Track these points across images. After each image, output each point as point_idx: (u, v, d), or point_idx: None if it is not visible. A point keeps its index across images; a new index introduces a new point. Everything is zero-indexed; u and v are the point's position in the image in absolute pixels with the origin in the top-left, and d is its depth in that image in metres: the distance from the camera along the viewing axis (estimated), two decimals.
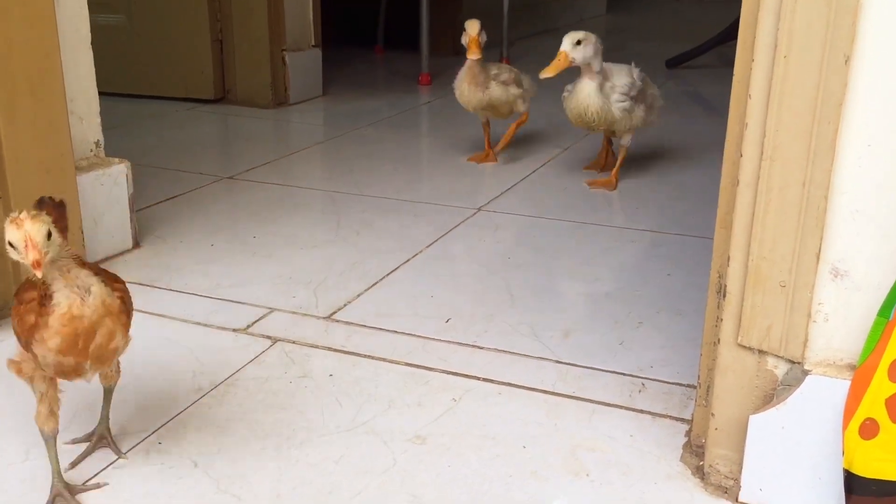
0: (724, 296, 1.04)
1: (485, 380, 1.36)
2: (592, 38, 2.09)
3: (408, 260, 1.84)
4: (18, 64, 1.48)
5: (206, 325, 1.54)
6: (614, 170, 2.35)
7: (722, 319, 1.04)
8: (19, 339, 0.99)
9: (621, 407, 1.29)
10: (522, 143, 2.81)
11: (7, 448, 1.18)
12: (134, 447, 1.18)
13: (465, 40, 2.36)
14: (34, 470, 1.13)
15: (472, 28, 2.37)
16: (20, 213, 0.88)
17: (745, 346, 1.03)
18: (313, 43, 3.46)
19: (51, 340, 0.92)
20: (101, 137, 1.81)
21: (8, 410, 1.27)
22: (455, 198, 2.26)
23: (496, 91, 2.44)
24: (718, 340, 1.06)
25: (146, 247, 1.91)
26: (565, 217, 2.12)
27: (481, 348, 1.46)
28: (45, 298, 0.92)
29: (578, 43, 2.06)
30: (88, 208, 1.71)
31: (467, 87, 2.42)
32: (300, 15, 3.37)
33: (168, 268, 1.80)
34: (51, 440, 1.06)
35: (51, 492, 1.07)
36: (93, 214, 1.75)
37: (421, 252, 1.89)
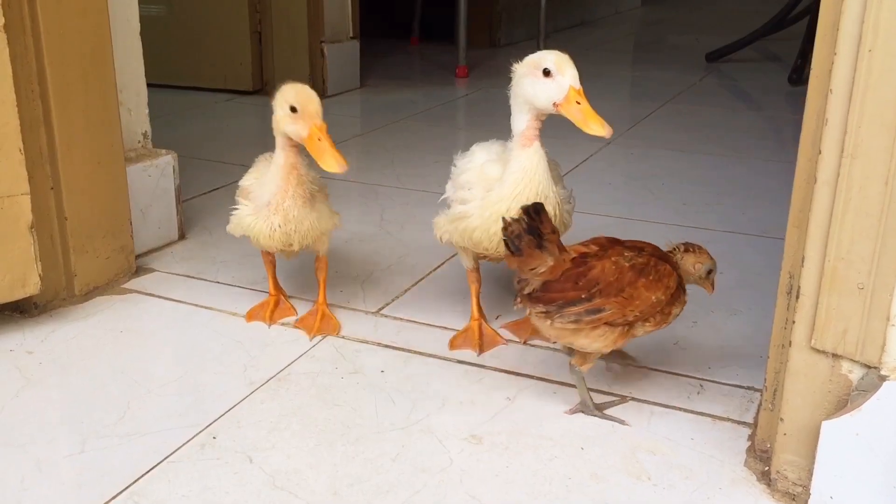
0: (797, 297, 1.00)
1: (539, 378, 1.34)
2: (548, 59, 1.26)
3: (454, 255, 1.82)
4: (71, 53, 1.47)
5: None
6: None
7: (794, 322, 1.01)
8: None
9: (680, 409, 1.26)
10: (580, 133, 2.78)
11: (64, 439, 1.18)
12: (189, 441, 1.18)
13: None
14: (91, 462, 1.13)
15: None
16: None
17: (818, 350, 1.00)
18: (351, 34, 3.45)
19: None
20: (148, 128, 1.81)
21: (64, 402, 1.27)
22: None
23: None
24: (789, 343, 1.02)
25: (192, 238, 1.91)
26: (611, 213, 2.09)
27: (534, 346, 1.44)
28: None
29: (547, 73, 1.25)
30: (136, 200, 1.71)
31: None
32: (339, 6, 3.36)
33: (214, 260, 1.79)
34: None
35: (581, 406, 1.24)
36: (140, 206, 1.74)
37: None
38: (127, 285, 1.65)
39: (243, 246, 1.86)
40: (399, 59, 4.28)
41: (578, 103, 1.22)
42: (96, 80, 1.52)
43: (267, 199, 1.36)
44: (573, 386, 1.31)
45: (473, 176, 1.35)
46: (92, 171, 1.54)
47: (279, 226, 1.36)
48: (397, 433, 1.20)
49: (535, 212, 1.14)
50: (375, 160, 2.57)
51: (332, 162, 1.26)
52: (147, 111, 1.79)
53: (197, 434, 1.19)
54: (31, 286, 1.43)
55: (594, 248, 1.19)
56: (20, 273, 1.41)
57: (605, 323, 1.14)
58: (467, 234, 1.34)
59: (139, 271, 1.71)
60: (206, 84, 3.37)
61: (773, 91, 3.58)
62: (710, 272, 1.24)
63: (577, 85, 1.23)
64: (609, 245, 1.20)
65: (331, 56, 3.31)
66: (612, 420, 1.22)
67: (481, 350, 1.42)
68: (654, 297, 1.15)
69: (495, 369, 1.37)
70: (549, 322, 1.15)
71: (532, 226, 1.13)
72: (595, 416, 1.23)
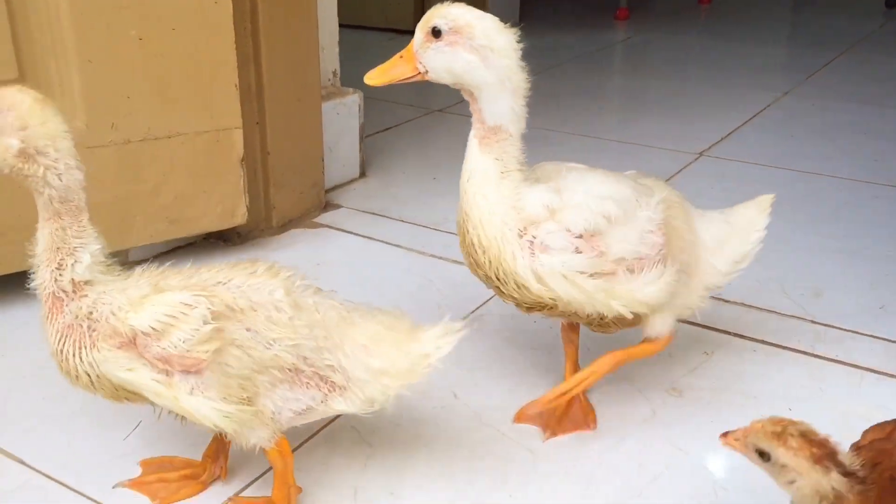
0: None
1: (736, 335, 1.32)
2: (478, 28, 0.94)
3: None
4: None
5: (441, 258, 1.56)
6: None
7: None
8: None
9: (893, 376, 1.21)
10: (753, 74, 2.66)
11: (116, 424, 1.13)
12: None
13: None
14: (135, 448, 1.09)
15: None
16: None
17: None
18: None
19: None
20: (338, 67, 1.85)
21: None
22: (671, 140, 2.18)
23: None
24: None
25: (371, 176, 1.96)
26: (794, 166, 2.00)
27: (727, 301, 1.41)
28: None
29: (436, 33, 0.95)
30: (326, 137, 1.76)
31: None
32: None
33: (396, 199, 1.83)
34: None
35: None
36: (328, 143, 1.79)
37: None
38: (317, 219, 1.72)
39: (420, 186, 1.90)
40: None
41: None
42: (300, 19, 1.56)
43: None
44: (774, 345, 1.28)
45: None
46: (292, 108, 1.59)
47: None
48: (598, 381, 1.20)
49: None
50: (540, 104, 2.53)
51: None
52: (338, 50, 1.83)
53: None
54: (239, 217, 1.51)
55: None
56: (231, 204, 1.49)
57: None
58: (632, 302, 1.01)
59: (327, 206, 1.77)
60: (367, 22, 3.41)
61: None
62: None
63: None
64: None
65: None
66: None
67: (552, 434, 1.10)
68: None
69: (689, 323, 1.35)
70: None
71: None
72: None
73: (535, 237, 0.97)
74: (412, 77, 0.99)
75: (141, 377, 0.85)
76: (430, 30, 0.95)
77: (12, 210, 1.28)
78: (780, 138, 2.19)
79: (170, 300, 0.84)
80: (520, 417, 1.13)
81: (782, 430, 0.75)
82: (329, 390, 0.92)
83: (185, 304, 0.84)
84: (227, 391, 0.86)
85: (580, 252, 0.97)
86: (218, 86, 1.40)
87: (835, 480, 0.73)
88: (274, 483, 0.96)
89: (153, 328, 0.83)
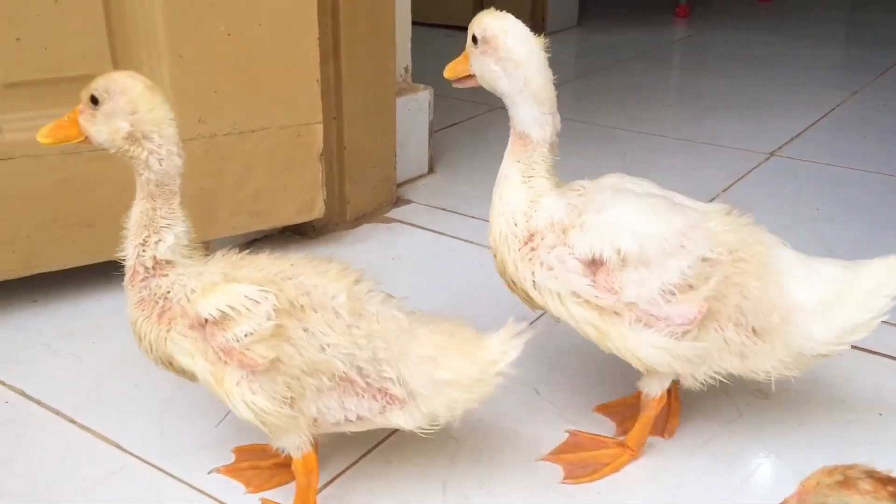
0: None
1: None
2: (511, 39, 0.95)
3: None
4: None
5: None
6: (634, 430, 1.06)
7: None
8: None
9: None
10: (819, 73, 2.62)
11: (208, 411, 1.15)
12: None
13: None
14: (227, 435, 1.11)
15: None
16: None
17: None
18: None
19: None
20: (409, 63, 1.86)
21: None
22: (740, 140, 2.15)
23: None
24: None
25: (439, 172, 1.96)
26: (869, 167, 1.96)
27: None
28: None
29: (475, 41, 0.97)
30: (398, 132, 1.77)
31: None
32: None
33: (465, 196, 1.83)
34: None
35: None
36: (399, 139, 1.80)
37: (717, 197, 1.82)
38: (389, 214, 1.73)
39: (489, 182, 1.90)
40: None
41: None
42: (378, 15, 1.58)
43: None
44: (861, 349, 1.26)
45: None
46: (368, 103, 1.61)
47: None
48: None
49: None
50: (605, 101, 2.53)
51: None
52: (409, 46, 1.84)
53: None
54: (316, 210, 1.52)
55: None
56: (308, 198, 1.51)
57: None
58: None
59: (398, 202, 1.78)
60: (426, 19, 3.41)
61: None
62: None
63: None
64: None
65: None
66: None
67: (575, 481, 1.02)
68: None
69: None
70: None
71: None
72: None
73: (534, 249, 0.96)
74: (469, 79, 1.01)
75: (196, 365, 0.87)
76: (472, 37, 0.97)
77: (101, 202, 1.31)
78: (853, 139, 2.15)
79: (237, 291, 0.85)
80: (600, 409, 1.14)
81: (844, 477, 0.66)
82: (388, 402, 0.89)
83: (250, 299, 0.84)
84: (273, 387, 0.85)
85: (584, 277, 0.93)
86: (300, 81, 1.42)
87: None
88: (295, 499, 0.95)
89: (214, 316, 0.84)
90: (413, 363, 0.89)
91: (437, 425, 0.91)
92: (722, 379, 0.99)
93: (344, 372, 0.86)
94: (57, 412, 1.14)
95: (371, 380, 0.88)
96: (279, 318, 0.84)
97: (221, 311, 0.84)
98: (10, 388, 1.19)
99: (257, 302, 0.84)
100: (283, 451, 0.92)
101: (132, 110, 0.85)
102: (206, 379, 0.87)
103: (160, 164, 0.87)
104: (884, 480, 0.65)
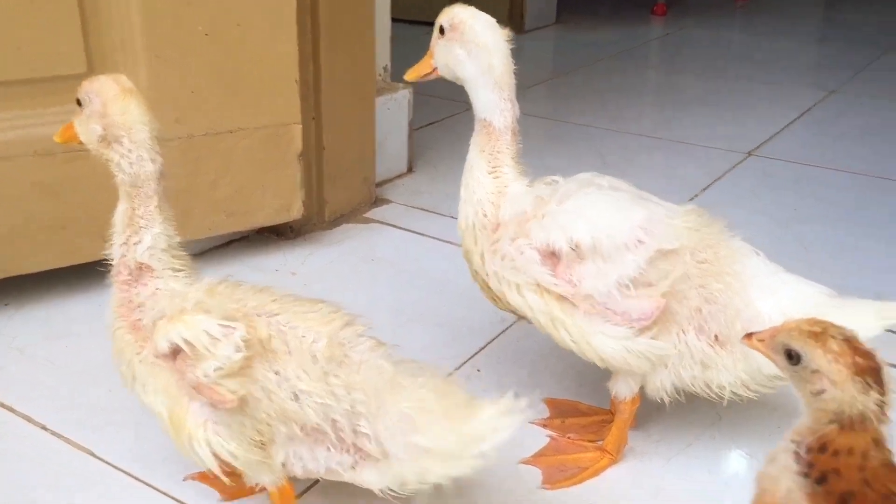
0: None
1: None
2: (477, 28, 0.98)
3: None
4: None
5: None
6: (611, 434, 1.06)
7: None
8: None
9: None
10: (796, 71, 2.63)
11: None
12: (455, 371, 1.22)
13: None
14: None
15: None
16: None
17: None
18: None
19: None
20: (389, 63, 1.85)
21: None
22: (718, 139, 2.16)
23: None
24: None
25: (418, 171, 1.96)
26: (850, 168, 1.97)
27: None
28: None
29: (441, 31, 1.01)
30: (378, 132, 1.76)
31: None
32: None
33: (445, 195, 1.83)
34: None
35: None
36: (378, 138, 1.79)
37: (697, 196, 1.82)
38: (368, 214, 1.72)
39: None
40: None
41: None
42: (357, 15, 1.56)
43: None
44: None
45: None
46: (347, 104, 1.60)
47: None
48: None
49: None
50: (585, 100, 2.53)
51: None
52: (389, 45, 1.83)
53: (462, 365, 1.24)
54: (294, 211, 1.51)
55: None
56: (287, 199, 1.49)
57: None
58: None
59: (377, 202, 1.77)
60: (407, 16, 3.40)
61: None
62: None
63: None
64: None
65: None
66: None
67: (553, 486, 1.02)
68: None
69: None
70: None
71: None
72: None
73: (498, 239, 0.97)
74: (430, 73, 1.04)
75: (155, 404, 0.85)
76: (439, 28, 1.00)
77: (75, 205, 1.28)
78: (831, 138, 2.17)
79: (198, 324, 0.80)
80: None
81: (822, 330, 0.62)
82: (360, 458, 0.82)
83: (209, 335, 0.79)
84: (241, 430, 0.81)
85: (542, 267, 0.93)
86: (279, 81, 1.41)
87: (872, 402, 0.59)
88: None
89: (165, 350, 0.81)
90: (392, 421, 0.81)
91: (405, 491, 0.83)
92: (687, 390, 0.99)
93: (317, 423, 0.80)
94: (29, 419, 1.12)
95: (345, 434, 0.81)
96: (248, 352, 0.79)
97: (175, 344, 0.80)
98: None
99: (216, 339, 0.79)
100: (257, 485, 0.88)
101: (104, 113, 0.85)
102: (163, 416, 0.84)
103: (131, 168, 0.86)
104: (856, 350, 0.61)
